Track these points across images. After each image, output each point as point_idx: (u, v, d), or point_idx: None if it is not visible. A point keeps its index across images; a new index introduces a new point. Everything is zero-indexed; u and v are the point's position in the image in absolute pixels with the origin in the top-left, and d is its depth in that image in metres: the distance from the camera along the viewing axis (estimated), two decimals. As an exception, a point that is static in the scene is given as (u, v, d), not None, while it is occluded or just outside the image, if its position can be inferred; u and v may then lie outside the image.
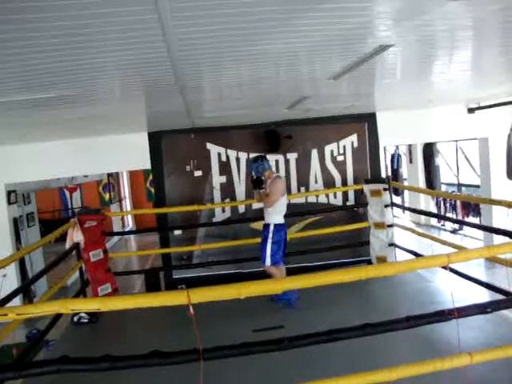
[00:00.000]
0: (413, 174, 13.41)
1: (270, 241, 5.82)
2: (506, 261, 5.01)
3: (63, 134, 7.06)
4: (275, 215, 5.92)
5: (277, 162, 8.07)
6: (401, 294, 6.43)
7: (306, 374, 3.89)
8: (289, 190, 8.08)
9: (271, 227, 5.86)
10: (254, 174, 6.00)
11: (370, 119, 8.17)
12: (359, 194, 7.91)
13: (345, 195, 8.19)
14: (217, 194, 7.97)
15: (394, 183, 7.84)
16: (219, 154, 7.95)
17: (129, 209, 17.48)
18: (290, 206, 7.99)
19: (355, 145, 8.18)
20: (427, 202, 12.93)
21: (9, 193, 7.92)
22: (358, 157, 8.18)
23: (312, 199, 8.09)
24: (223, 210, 7.95)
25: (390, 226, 7.35)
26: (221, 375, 4.02)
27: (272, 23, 2.46)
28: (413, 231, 7.63)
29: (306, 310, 5.65)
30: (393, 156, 13.09)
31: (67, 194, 14.78)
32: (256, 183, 5.98)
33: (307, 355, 3.76)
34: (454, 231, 11.54)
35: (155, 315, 5.07)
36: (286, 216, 8.15)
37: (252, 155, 8.00)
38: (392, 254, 7.35)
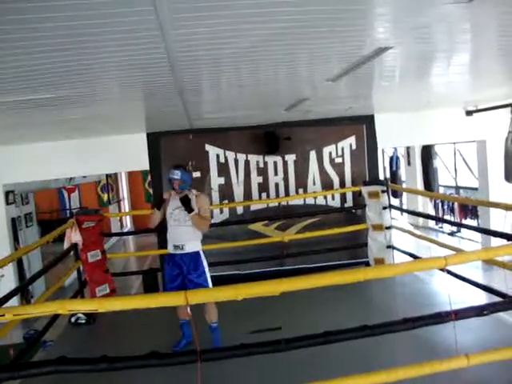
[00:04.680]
0: (411, 176, 13.42)
1: (206, 271, 4.69)
2: (503, 263, 5.02)
3: (62, 135, 7.05)
4: (200, 240, 4.74)
5: (275, 163, 8.09)
6: (398, 295, 6.44)
7: (304, 375, 3.89)
8: (287, 192, 8.11)
9: (202, 255, 4.68)
10: (181, 186, 4.57)
11: (368, 121, 8.18)
12: (357, 195, 7.92)
13: (343, 197, 8.20)
14: (215, 196, 7.97)
15: (392, 185, 7.85)
16: (218, 156, 7.96)
17: (127, 210, 17.47)
18: (287, 207, 8.07)
19: (353, 147, 8.19)
20: (425, 204, 12.94)
21: (7, 193, 7.91)
22: (356, 159, 8.19)
23: (310, 201, 8.10)
24: (221, 212, 7.96)
25: (388, 227, 7.36)
26: (218, 377, 4.01)
27: (271, 25, 2.47)
28: (411, 233, 7.64)
29: (304, 311, 5.65)
30: (391, 158, 13.11)
31: (65, 194, 14.76)
32: (188, 204, 4.50)
33: (305, 357, 3.76)
34: (451, 233, 11.55)
35: (153, 316, 5.06)
36: (281, 218, 8.23)
37: (251, 156, 8.03)
38: (390, 255, 7.36)
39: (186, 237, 4.61)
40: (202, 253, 4.69)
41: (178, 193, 4.59)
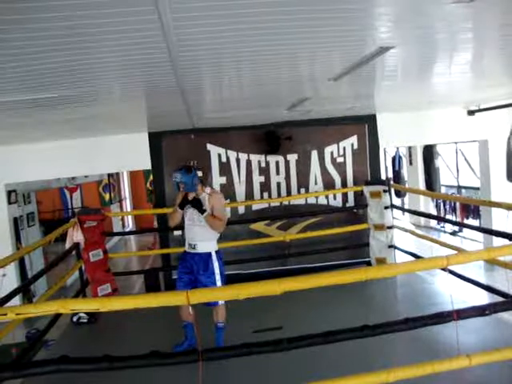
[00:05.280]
0: (413, 175, 13.41)
1: (217, 273, 4.58)
2: (505, 263, 5.01)
3: (63, 134, 7.06)
4: (214, 240, 4.67)
5: (277, 163, 8.09)
6: (400, 295, 6.44)
7: (305, 375, 3.90)
8: (289, 192, 8.11)
9: (213, 256, 4.59)
10: (185, 188, 4.51)
11: (370, 121, 8.18)
12: (359, 195, 7.91)
13: (344, 197, 8.19)
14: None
15: (394, 185, 7.84)
16: (219, 155, 7.96)
17: (129, 209, 17.48)
18: (289, 207, 8.06)
19: (355, 146, 8.18)
20: (427, 204, 12.93)
21: (9, 192, 7.92)
22: (357, 158, 8.19)
23: (312, 200, 8.09)
24: (223, 211, 7.95)
25: (390, 227, 7.36)
26: (220, 376, 4.02)
27: (272, 24, 2.47)
28: (412, 233, 7.63)
29: (306, 311, 5.65)
30: (394, 158, 13.10)
31: (67, 194, 14.78)
32: (199, 205, 4.49)
33: (306, 356, 3.76)
34: (453, 233, 11.54)
35: (155, 315, 5.07)
36: (283, 217, 8.22)
37: (252, 156, 8.03)
38: (391, 255, 7.36)
39: (198, 237, 4.59)
40: (214, 254, 4.61)
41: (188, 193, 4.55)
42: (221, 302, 4.58)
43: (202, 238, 4.58)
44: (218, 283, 4.57)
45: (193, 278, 4.62)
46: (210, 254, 4.59)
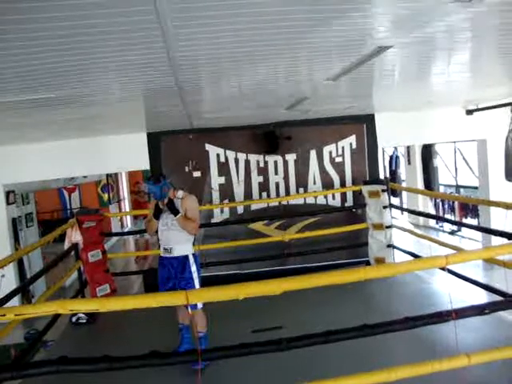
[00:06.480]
0: (411, 175, 13.42)
1: (195, 277, 4.55)
2: (503, 262, 5.01)
3: (63, 135, 7.05)
4: (190, 242, 4.63)
5: (275, 162, 8.09)
6: (399, 295, 6.44)
7: (305, 374, 3.89)
8: (287, 191, 8.11)
9: (190, 259, 4.56)
10: (154, 197, 4.50)
11: (368, 120, 8.19)
12: (358, 195, 7.92)
13: (343, 196, 8.21)
14: (215, 195, 7.98)
15: (393, 184, 7.85)
16: (218, 155, 7.96)
17: (128, 209, 17.46)
18: (288, 207, 8.07)
19: (354, 146, 8.19)
20: (425, 204, 12.95)
21: (7, 193, 7.91)
22: (356, 158, 8.20)
23: (310, 200, 8.10)
24: (222, 211, 7.96)
25: (389, 227, 7.36)
26: (219, 376, 4.02)
27: (271, 24, 2.47)
28: (411, 232, 7.64)
29: (305, 310, 5.65)
30: (391, 157, 13.10)
31: (66, 194, 14.75)
32: (172, 207, 4.46)
33: (306, 356, 3.76)
34: (452, 232, 11.55)
35: (154, 316, 5.07)
36: (282, 217, 8.22)
37: (251, 156, 8.03)
38: (390, 255, 7.36)
39: (173, 240, 4.53)
40: (191, 256, 4.57)
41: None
42: (200, 306, 4.46)
43: (178, 241, 4.53)
44: (197, 285, 4.54)
45: (173, 283, 4.59)
46: (187, 257, 4.55)
